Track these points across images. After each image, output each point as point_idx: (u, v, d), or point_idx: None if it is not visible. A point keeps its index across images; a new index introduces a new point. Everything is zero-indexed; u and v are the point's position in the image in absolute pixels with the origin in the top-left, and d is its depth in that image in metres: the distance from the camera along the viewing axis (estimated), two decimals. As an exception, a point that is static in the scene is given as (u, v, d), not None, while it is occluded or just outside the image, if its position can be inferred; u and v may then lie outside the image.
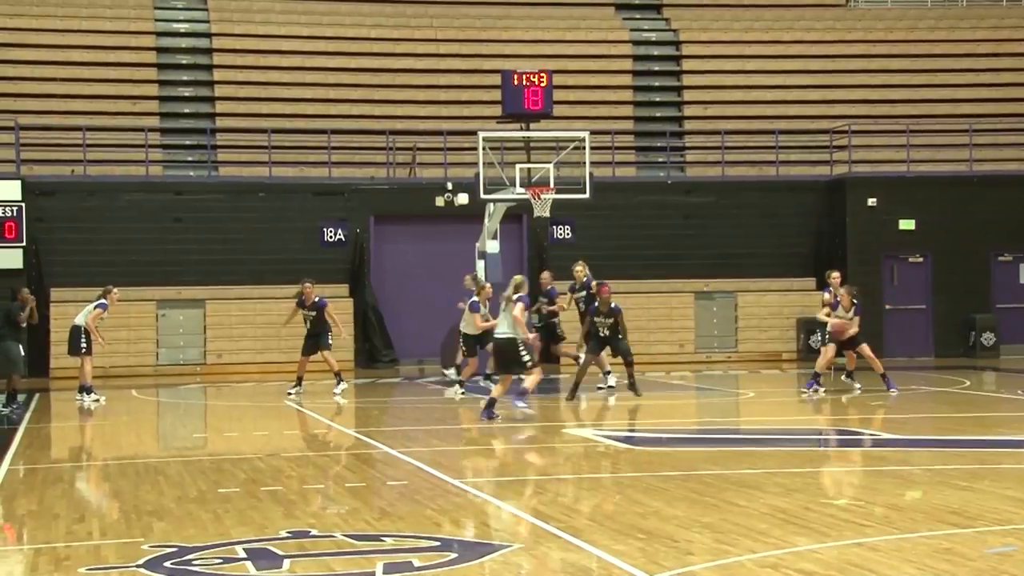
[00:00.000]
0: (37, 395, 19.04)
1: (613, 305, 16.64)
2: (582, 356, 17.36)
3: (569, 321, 19.46)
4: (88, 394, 16.93)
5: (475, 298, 17.22)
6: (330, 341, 18.02)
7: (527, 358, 14.04)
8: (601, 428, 13.32)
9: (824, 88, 28.79)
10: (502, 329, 14.23)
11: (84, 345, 16.85)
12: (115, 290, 17.53)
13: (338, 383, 18.04)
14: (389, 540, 7.23)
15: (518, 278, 14.69)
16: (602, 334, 16.68)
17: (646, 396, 17.06)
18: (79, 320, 17.14)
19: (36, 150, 25.43)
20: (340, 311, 24.26)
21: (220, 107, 27.05)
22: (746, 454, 11.33)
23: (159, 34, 27.86)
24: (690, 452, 11.51)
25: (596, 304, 16.81)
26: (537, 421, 14.59)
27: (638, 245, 25.48)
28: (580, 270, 18.36)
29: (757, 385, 17.70)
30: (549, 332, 18.59)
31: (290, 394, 17.70)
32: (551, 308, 18.75)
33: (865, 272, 25.46)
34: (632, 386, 16.74)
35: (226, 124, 26.73)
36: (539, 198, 19.66)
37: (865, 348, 17.02)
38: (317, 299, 18.09)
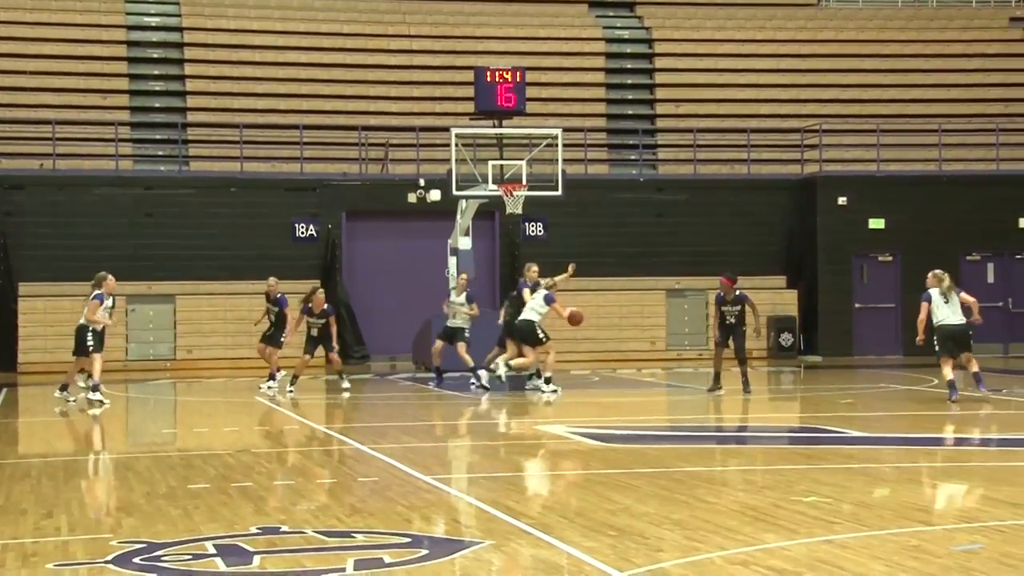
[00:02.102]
0: (4, 390, 18.89)
1: (739, 292, 17.05)
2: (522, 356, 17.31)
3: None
4: (95, 392, 16.28)
5: (543, 290, 17.30)
6: (282, 340, 18.23)
7: (542, 336, 16.60)
8: (573, 424, 13.33)
9: (795, 87, 28.91)
10: (526, 314, 16.65)
11: (91, 343, 16.12)
12: (110, 277, 17.18)
13: (269, 378, 18.12)
14: (360, 536, 7.21)
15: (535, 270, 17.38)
16: (728, 322, 16.98)
17: (617, 393, 17.08)
18: (83, 319, 16.80)
19: (5, 143, 25.24)
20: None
21: (191, 101, 26.91)
22: (716, 451, 11.36)
23: (130, 27, 27.69)
24: (661, 449, 11.54)
25: (721, 294, 17.14)
26: (510, 416, 14.59)
27: (610, 242, 25.52)
28: (534, 271, 18.42)
29: (728, 382, 17.76)
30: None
31: (290, 390, 17.69)
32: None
33: (835, 271, 25.60)
34: (745, 385, 16.81)
35: (197, 118, 26.59)
36: (511, 195, 19.67)
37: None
38: (279, 296, 18.52)
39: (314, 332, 17.65)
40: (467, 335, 18.00)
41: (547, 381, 16.97)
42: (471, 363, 17.76)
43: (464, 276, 18.81)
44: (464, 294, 18.43)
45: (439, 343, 18.31)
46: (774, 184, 26.44)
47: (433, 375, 18.62)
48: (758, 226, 26.06)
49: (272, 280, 18.86)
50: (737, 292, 17.07)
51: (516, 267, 25.34)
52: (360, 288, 25.14)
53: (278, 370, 18.38)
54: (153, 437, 13.61)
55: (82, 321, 16.36)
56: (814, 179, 26.12)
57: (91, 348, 16.20)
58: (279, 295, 18.52)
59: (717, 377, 17.16)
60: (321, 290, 18.04)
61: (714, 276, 25.72)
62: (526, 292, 17.38)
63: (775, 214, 26.18)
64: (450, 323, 18.21)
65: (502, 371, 17.04)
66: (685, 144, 27.53)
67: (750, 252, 25.88)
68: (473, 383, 17.47)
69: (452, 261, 21.35)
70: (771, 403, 16.83)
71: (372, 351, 24.73)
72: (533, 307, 17.01)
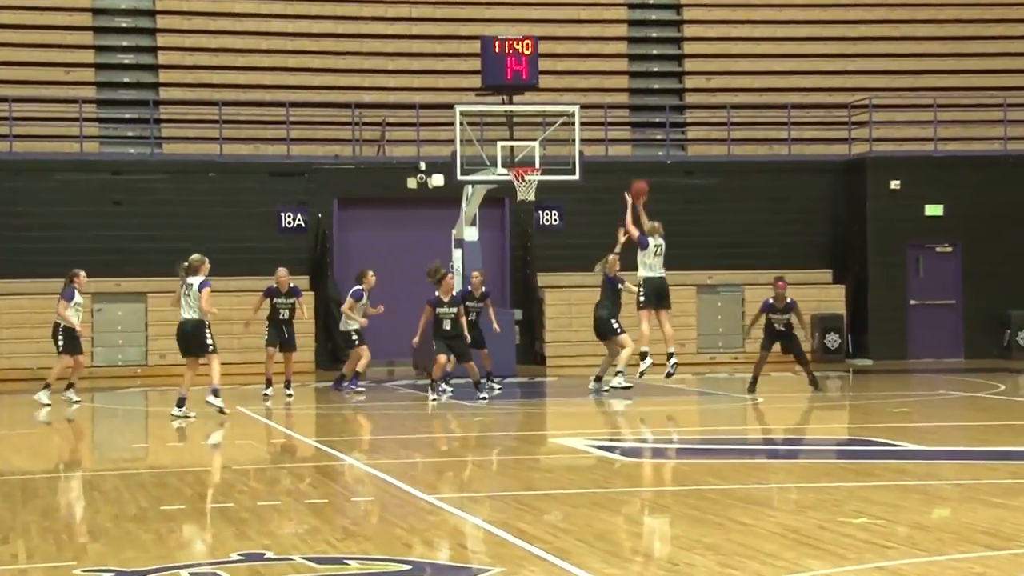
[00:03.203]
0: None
1: (789, 300, 17.69)
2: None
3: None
4: (69, 389, 17.20)
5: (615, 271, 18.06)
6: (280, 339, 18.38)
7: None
8: (591, 437, 13.32)
9: (842, 57, 28.84)
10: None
11: (61, 343, 17.10)
12: (82, 273, 17.60)
13: (278, 387, 18.23)
14: (354, 564, 7.21)
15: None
16: (777, 329, 17.66)
17: (642, 402, 17.08)
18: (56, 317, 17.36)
19: (-44, 124, 25.31)
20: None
21: (164, 76, 26.93)
22: (754, 467, 11.35)
23: (96, -6, 27.73)
24: (691, 464, 11.51)
25: (771, 301, 17.72)
26: (521, 428, 14.58)
27: (634, 232, 25.48)
28: (478, 279, 18.38)
29: (767, 389, 17.73)
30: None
31: (289, 395, 18.04)
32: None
33: (887, 263, 25.54)
34: (814, 383, 17.80)
35: (171, 95, 26.62)
36: (523, 180, 19.66)
37: None
38: (292, 286, 18.76)
39: (283, 315, 18.04)
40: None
41: (618, 374, 17.51)
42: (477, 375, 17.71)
43: (478, 274, 18.66)
44: (479, 293, 18.36)
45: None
46: (818, 166, 26.38)
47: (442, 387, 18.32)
48: (800, 214, 26.01)
49: (283, 271, 18.64)
50: (788, 300, 17.66)
51: (528, 260, 25.36)
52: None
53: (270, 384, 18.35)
54: (122, 452, 13.63)
55: (56, 319, 17.06)
56: (863, 160, 26.07)
57: (59, 348, 16.91)
58: (292, 285, 18.58)
59: (755, 381, 17.64)
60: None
61: (750, 270, 25.88)
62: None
63: (819, 200, 26.13)
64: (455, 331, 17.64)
65: (617, 381, 17.32)
66: (717, 122, 27.47)
67: (791, 243, 25.83)
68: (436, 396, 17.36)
69: (457, 254, 21.35)
70: (816, 413, 16.81)
71: (367, 355, 24.74)
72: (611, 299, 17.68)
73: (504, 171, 19.77)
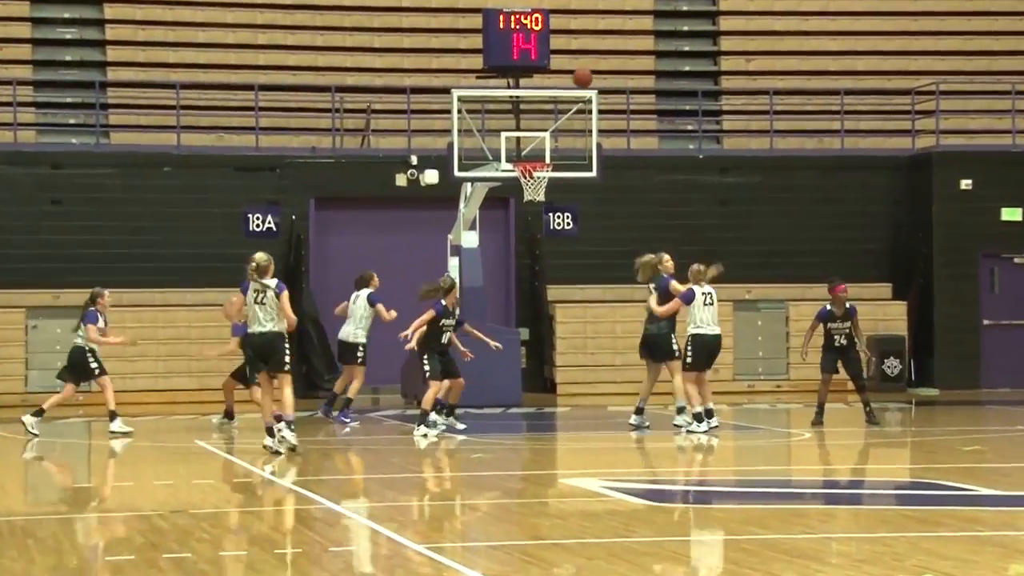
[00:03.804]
0: None
1: (849, 306, 17.68)
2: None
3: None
4: (113, 420, 17.77)
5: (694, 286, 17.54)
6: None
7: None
8: (610, 477, 13.32)
9: (905, 35, 28.87)
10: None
11: (95, 365, 17.99)
12: (106, 292, 18.25)
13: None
14: (331, 624, 7.19)
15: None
16: (839, 343, 17.64)
17: (666, 438, 17.06)
18: (78, 340, 17.99)
19: None
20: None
21: (112, 54, 26.98)
22: (799, 513, 11.33)
23: (33, -42, 27.80)
24: (726, 510, 11.50)
25: (829, 308, 17.68)
26: (528, 467, 14.57)
27: (659, 239, 25.38)
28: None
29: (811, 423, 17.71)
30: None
31: (223, 421, 18.24)
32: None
33: (956, 276, 25.54)
34: (870, 416, 17.74)
35: (120, 76, 26.66)
36: (531, 177, 19.69)
37: None
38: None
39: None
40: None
41: (680, 411, 17.26)
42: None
43: (447, 278, 18.25)
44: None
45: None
46: (876, 163, 26.40)
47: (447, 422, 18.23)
48: (854, 218, 26.02)
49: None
50: (848, 306, 17.65)
51: (536, 270, 25.39)
52: (333, 297, 25.13)
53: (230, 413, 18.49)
54: (61, 493, 13.63)
55: (77, 342, 17.91)
56: (928, 156, 26.08)
57: (97, 371, 17.94)
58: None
59: (822, 409, 17.73)
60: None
61: (795, 283, 25.89)
62: (653, 297, 17.12)
63: (877, 202, 26.14)
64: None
65: (683, 420, 17.09)
66: (758, 111, 27.49)
67: (843, 252, 25.83)
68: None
69: (453, 263, 21.36)
70: (872, 451, 16.77)
71: (348, 381, 24.75)
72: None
73: (509, 167, 19.79)
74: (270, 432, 15.08)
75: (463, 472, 14.59)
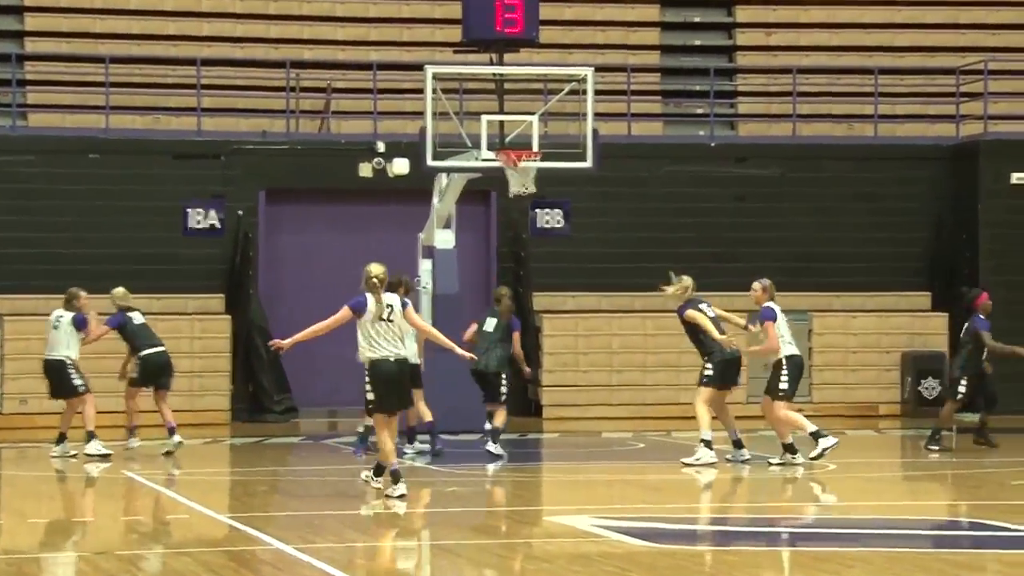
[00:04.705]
0: None
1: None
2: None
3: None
4: (92, 440, 18.37)
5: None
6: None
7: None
8: (603, 515, 13.34)
9: (948, 6, 28.90)
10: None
11: (80, 382, 18.55)
12: (83, 294, 18.57)
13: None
14: None
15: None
16: (985, 359, 18.84)
17: (668, 468, 17.08)
18: (58, 352, 18.45)
19: None
20: (211, 333, 24.24)
21: (31, 22, 26.89)
22: (822, 557, 11.36)
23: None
24: (736, 553, 11.51)
25: (982, 315, 18.79)
26: (511, 502, 14.57)
27: (664, 239, 25.52)
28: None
29: (841, 453, 17.72)
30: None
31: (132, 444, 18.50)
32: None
33: (1006, 284, 25.50)
34: (984, 436, 18.86)
35: (40, 48, 26.59)
36: (516, 167, 19.69)
37: None
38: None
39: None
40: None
41: (738, 445, 17.46)
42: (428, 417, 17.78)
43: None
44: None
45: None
46: (914, 152, 26.42)
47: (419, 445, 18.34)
48: (889, 216, 26.04)
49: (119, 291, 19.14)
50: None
51: (521, 275, 25.36)
52: (285, 306, 25.13)
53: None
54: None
55: (56, 355, 18.43)
56: (975, 145, 26.12)
57: (82, 388, 18.42)
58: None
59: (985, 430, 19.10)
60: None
61: (821, 291, 25.89)
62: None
63: (915, 198, 26.16)
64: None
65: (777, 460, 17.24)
66: (779, 92, 27.51)
67: (876, 255, 25.86)
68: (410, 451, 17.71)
69: (425, 266, 21.34)
70: (906, 484, 16.79)
71: (302, 402, 24.70)
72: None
73: (491, 155, 19.79)
74: (395, 475, 14.24)
75: (434, 508, 14.58)
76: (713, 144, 26.42)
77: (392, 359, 14.16)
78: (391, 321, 14.17)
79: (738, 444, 17.32)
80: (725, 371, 17.30)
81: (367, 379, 14.39)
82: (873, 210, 26.05)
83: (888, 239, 26.01)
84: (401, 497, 13.97)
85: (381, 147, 24.47)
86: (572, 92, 20.39)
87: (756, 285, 17.54)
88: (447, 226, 21.45)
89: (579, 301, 25.27)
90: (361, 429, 18.15)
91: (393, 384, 14.24)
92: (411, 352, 17.43)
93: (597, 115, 20.73)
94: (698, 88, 27.70)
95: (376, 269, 14.28)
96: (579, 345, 24.81)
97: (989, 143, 26.05)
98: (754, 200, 26.00)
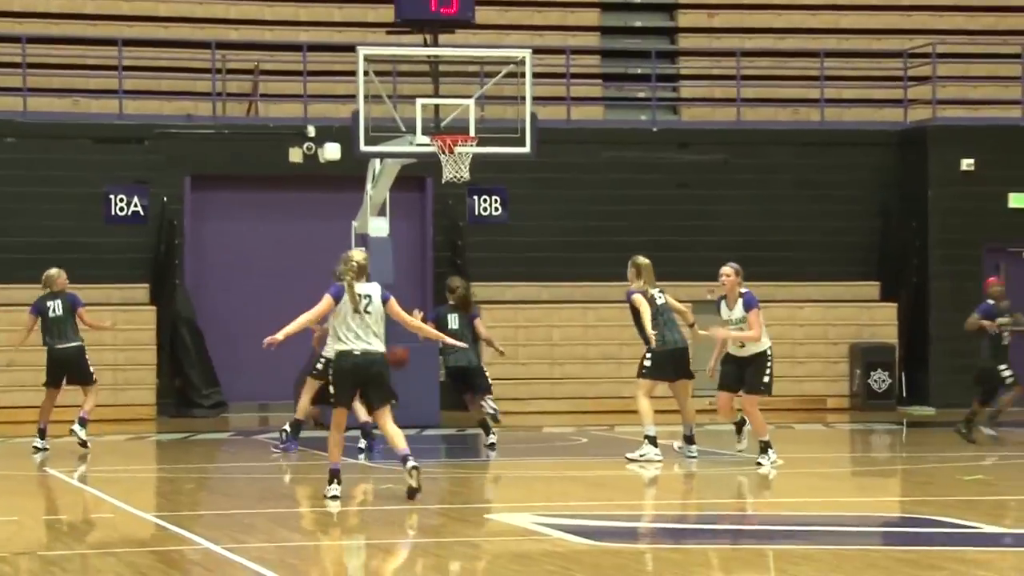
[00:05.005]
0: None
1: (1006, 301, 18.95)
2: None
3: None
4: (83, 427, 18.46)
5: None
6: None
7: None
8: (545, 512, 13.37)
9: (895, -13, 29.04)
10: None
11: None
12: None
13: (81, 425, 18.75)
14: None
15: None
16: (1005, 341, 18.64)
17: (612, 464, 17.13)
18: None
19: None
20: (136, 324, 24.14)
21: (-55, 0, 26.73)
22: (769, 553, 11.42)
23: None
24: (683, 551, 11.57)
25: (990, 300, 18.99)
26: (449, 499, 14.60)
27: (605, 227, 25.60)
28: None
29: (790, 448, 17.82)
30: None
31: (41, 446, 18.36)
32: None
33: (956, 273, 25.71)
34: (968, 428, 18.85)
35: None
36: (452, 152, 19.70)
37: None
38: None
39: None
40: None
41: (690, 441, 17.38)
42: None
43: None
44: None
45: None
46: (861, 138, 26.57)
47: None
48: (835, 204, 26.17)
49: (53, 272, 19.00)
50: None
51: (458, 264, 25.38)
52: (212, 297, 25.06)
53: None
54: None
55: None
56: (924, 130, 26.28)
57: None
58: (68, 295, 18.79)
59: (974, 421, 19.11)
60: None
61: (766, 281, 25.90)
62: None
63: (863, 184, 26.31)
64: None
65: (744, 445, 17.23)
66: (723, 75, 27.61)
67: (823, 243, 25.99)
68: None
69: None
70: (855, 480, 16.89)
71: (231, 396, 24.64)
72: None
73: (426, 140, 19.79)
74: (333, 472, 14.00)
75: (371, 507, 14.58)
76: (655, 129, 26.49)
77: (357, 352, 13.77)
78: (368, 313, 13.79)
79: (690, 440, 17.33)
80: (666, 362, 17.24)
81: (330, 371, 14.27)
82: (820, 197, 26.17)
83: (835, 227, 26.14)
84: (334, 498, 13.91)
85: (312, 131, 24.47)
86: (509, 75, 20.42)
87: (727, 269, 17.09)
88: (381, 213, 21.45)
89: (518, 291, 25.29)
90: (287, 427, 18.15)
91: (349, 378, 13.84)
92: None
93: (535, 99, 20.76)
94: (639, 71, 27.78)
95: (358, 256, 14.02)
96: (519, 337, 24.82)
97: (938, 128, 26.20)
98: (697, 187, 26.09)
